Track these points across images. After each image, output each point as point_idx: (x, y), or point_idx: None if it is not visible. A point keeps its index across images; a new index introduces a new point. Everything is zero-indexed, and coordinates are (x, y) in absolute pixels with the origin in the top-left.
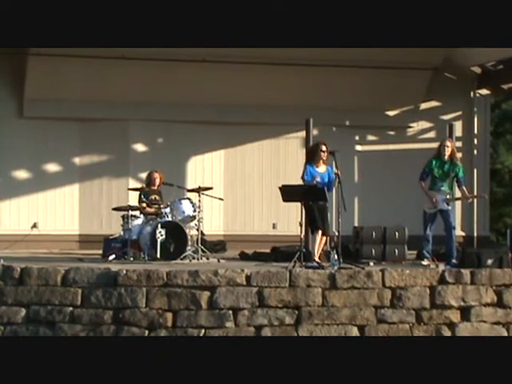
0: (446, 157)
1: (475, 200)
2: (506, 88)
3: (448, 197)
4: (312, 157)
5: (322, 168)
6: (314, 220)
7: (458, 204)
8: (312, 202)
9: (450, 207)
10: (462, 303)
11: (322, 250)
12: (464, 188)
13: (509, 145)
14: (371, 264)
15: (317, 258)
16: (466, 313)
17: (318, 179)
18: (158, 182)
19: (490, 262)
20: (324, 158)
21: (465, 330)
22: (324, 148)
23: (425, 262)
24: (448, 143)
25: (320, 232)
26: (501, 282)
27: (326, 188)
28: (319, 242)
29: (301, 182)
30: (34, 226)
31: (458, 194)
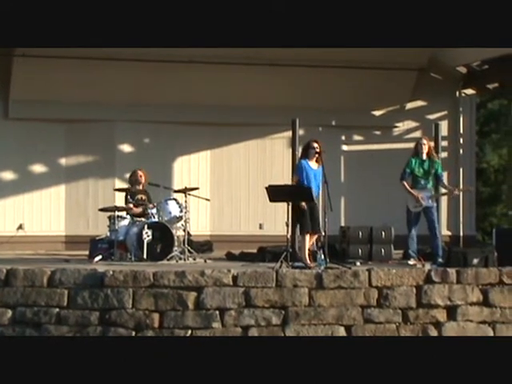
0: (424, 155)
1: (461, 200)
2: (491, 88)
3: (433, 193)
4: (305, 153)
5: (315, 165)
6: (305, 223)
7: (444, 203)
8: (301, 203)
9: (434, 204)
10: (449, 302)
11: (309, 249)
12: (445, 183)
13: (494, 144)
14: (358, 264)
15: (308, 261)
16: (452, 312)
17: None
18: (142, 180)
19: (475, 261)
20: (315, 155)
21: (451, 329)
22: (315, 145)
23: (411, 262)
24: (424, 141)
25: (308, 235)
26: (487, 281)
27: (319, 185)
28: (308, 241)
29: (287, 182)
30: (20, 227)
31: (442, 190)
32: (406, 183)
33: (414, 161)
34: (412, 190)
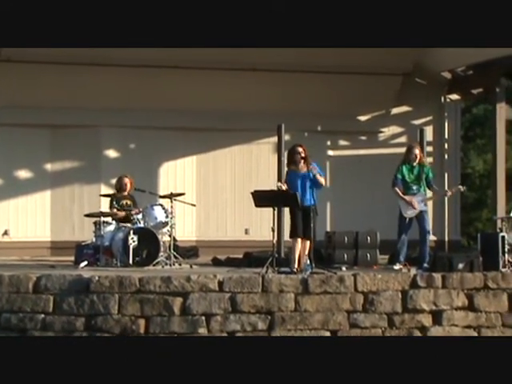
0: (415, 162)
1: (446, 205)
2: (475, 93)
3: (426, 196)
4: (291, 160)
5: (302, 169)
6: (295, 228)
7: (430, 208)
8: (296, 208)
9: (426, 208)
10: (434, 307)
11: (308, 254)
12: (434, 187)
13: (479, 149)
14: (343, 269)
15: (296, 265)
16: (437, 316)
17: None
18: (128, 186)
19: (461, 265)
20: (301, 160)
21: (436, 333)
22: (300, 150)
23: (396, 267)
24: (416, 150)
25: (299, 240)
26: (472, 286)
27: (313, 186)
28: (303, 248)
29: (273, 188)
30: (5, 233)
31: (430, 194)
32: (397, 189)
33: (404, 167)
34: (404, 197)
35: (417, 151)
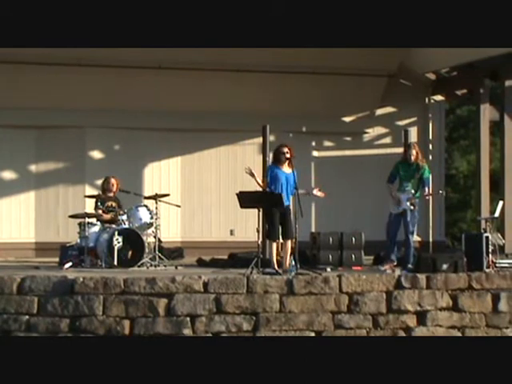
0: (412, 161)
1: (430, 206)
2: (459, 94)
3: (411, 195)
4: (276, 158)
5: (286, 169)
6: (273, 230)
7: None
8: (274, 209)
9: (411, 207)
10: (418, 308)
11: (291, 254)
12: (426, 189)
13: (463, 150)
14: (328, 270)
15: (276, 266)
16: (421, 317)
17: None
18: (114, 188)
19: (445, 266)
20: (287, 160)
21: (421, 334)
22: (285, 150)
23: (382, 267)
24: (413, 151)
25: (275, 243)
26: (456, 287)
27: (292, 188)
28: (285, 249)
29: (258, 189)
30: None
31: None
32: (389, 185)
33: (400, 164)
34: (392, 192)
35: (413, 151)
